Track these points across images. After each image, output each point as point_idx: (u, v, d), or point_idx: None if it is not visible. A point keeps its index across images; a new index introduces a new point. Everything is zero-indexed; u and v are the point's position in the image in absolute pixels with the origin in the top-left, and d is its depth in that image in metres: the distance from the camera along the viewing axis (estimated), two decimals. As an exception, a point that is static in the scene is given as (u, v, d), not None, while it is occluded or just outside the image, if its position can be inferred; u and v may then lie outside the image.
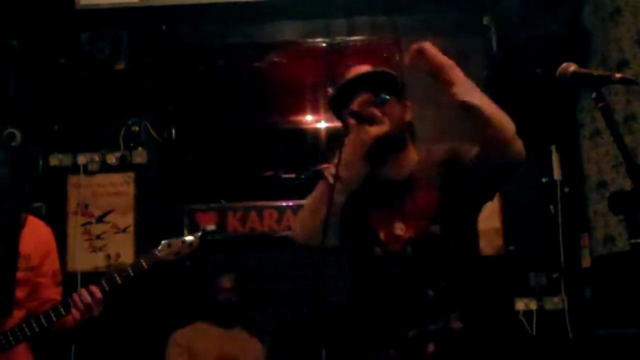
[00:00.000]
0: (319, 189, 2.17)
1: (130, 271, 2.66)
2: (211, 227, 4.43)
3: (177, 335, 4.06)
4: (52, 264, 2.76)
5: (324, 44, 4.74)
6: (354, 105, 2.16)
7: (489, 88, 4.45)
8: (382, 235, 2.15)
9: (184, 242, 2.76)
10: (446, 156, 2.18)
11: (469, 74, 4.57)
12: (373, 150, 2.15)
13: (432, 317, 2.09)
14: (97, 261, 4.54)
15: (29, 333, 2.55)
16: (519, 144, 2.08)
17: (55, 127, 4.69)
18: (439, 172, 2.17)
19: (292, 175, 4.50)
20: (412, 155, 2.24)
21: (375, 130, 2.11)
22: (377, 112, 2.13)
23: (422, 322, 2.09)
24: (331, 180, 2.10)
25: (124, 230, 4.60)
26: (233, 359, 3.97)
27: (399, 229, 2.14)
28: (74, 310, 2.58)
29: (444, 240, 2.14)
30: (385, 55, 4.63)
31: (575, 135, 4.43)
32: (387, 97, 2.16)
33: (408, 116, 2.25)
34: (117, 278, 2.64)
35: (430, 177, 2.18)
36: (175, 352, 4.00)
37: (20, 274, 2.59)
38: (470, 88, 2.10)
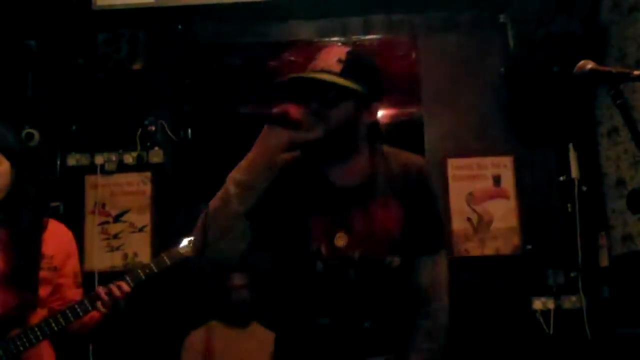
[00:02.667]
0: (219, 195, 1.91)
1: (154, 267, 2.71)
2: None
3: (192, 338, 4.08)
4: (73, 265, 2.81)
5: (339, 43, 4.73)
6: (275, 108, 1.89)
7: (506, 86, 4.45)
8: (323, 249, 1.97)
9: None
10: (417, 184, 2.05)
11: (485, 72, 4.58)
12: (308, 155, 1.91)
13: (369, 350, 1.97)
14: (114, 260, 4.56)
15: (55, 328, 2.58)
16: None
17: (73, 128, 4.72)
18: (398, 188, 2.03)
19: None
20: (366, 161, 2.05)
21: (290, 135, 1.84)
22: (305, 117, 1.88)
23: (360, 353, 1.97)
24: (231, 186, 1.87)
25: (141, 230, 4.61)
26: (250, 356, 3.98)
27: (341, 240, 1.97)
28: (99, 305, 2.61)
29: (400, 275, 2.01)
30: (401, 53, 4.62)
31: (593, 133, 4.40)
32: (319, 107, 1.92)
33: (367, 118, 2.01)
34: (141, 274, 2.68)
35: (388, 191, 2.03)
36: (190, 355, 4.02)
37: (43, 273, 2.63)
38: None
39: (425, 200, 2.07)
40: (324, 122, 1.91)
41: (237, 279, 4.12)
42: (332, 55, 1.99)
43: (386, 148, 2.12)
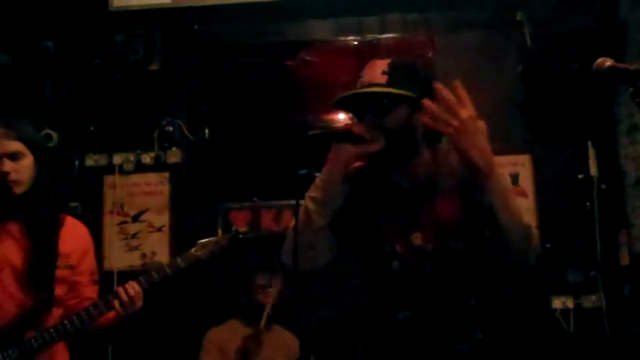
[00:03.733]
0: (301, 212, 2.09)
1: (168, 270, 2.72)
2: (243, 227, 4.45)
3: (211, 335, 4.08)
4: (90, 263, 2.82)
5: (356, 42, 4.73)
6: (338, 126, 2.12)
7: (523, 84, 4.42)
8: (398, 248, 2.11)
9: (216, 242, 2.84)
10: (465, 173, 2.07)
11: (503, 70, 4.54)
12: (375, 164, 2.11)
13: (455, 336, 2.06)
14: (132, 260, 4.59)
15: (71, 329, 2.59)
16: (533, 255, 2.04)
17: (91, 128, 4.75)
18: (460, 180, 2.08)
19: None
20: (427, 160, 2.16)
21: (356, 149, 2.05)
22: (365, 130, 2.04)
23: (446, 341, 2.06)
24: (310, 204, 2.08)
25: (159, 229, 4.64)
26: (269, 357, 3.98)
27: (417, 238, 2.10)
28: (115, 305, 2.62)
29: (467, 259, 2.09)
30: (417, 53, 4.60)
31: (612, 130, 4.36)
32: (374, 119, 2.06)
33: (421, 119, 2.06)
34: (156, 276, 2.69)
35: (450, 185, 2.11)
36: (208, 351, 4.02)
37: (59, 272, 2.65)
38: (504, 195, 1.96)
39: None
40: (383, 132, 2.05)
41: (261, 279, 4.12)
42: (376, 68, 2.11)
43: (446, 145, 2.18)
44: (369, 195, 2.18)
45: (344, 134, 2.08)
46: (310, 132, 2.08)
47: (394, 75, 2.07)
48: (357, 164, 2.08)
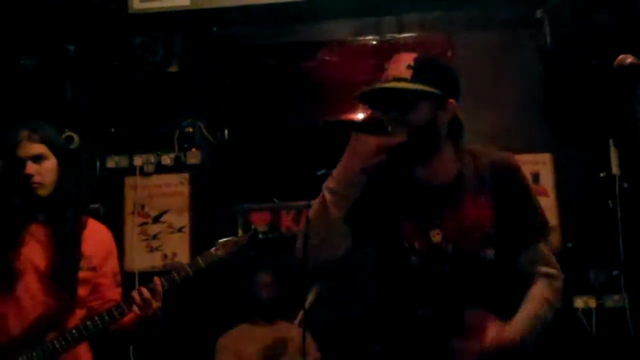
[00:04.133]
0: (316, 203, 2.06)
1: (189, 270, 2.72)
2: (262, 227, 4.46)
3: (223, 340, 4.11)
4: (113, 265, 2.83)
5: (374, 42, 4.72)
6: (361, 116, 2.05)
7: (544, 82, 4.39)
8: (417, 245, 2.09)
9: (236, 242, 2.83)
10: (498, 175, 2.11)
11: (522, 68, 4.51)
12: (395, 158, 2.05)
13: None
14: (153, 261, 4.62)
15: (93, 330, 2.60)
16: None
17: (112, 130, 4.79)
18: (489, 183, 2.10)
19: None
20: (450, 159, 2.14)
21: (377, 141, 1.99)
22: (388, 123, 2.01)
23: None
24: (327, 195, 2.02)
25: (179, 230, 4.66)
26: (280, 354, 3.99)
27: (435, 237, 2.08)
28: (134, 307, 2.63)
29: (496, 269, 2.08)
30: (436, 52, 4.58)
31: (634, 128, 4.30)
32: (398, 114, 2.03)
33: (446, 117, 2.10)
34: (176, 276, 2.69)
35: (478, 187, 2.10)
36: (223, 355, 4.04)
37: (82, 274, 2.66)
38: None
39: (518, 194, 2.14)
40: (405, 126, 2.02)
41: (264, 277, 4.15)
42: (402, 62, 2.08)
43: (473, 146, 2.20)
44: (388, 189, 2.15)
45: (365, 124, 2.05)
46: (329, 120, 2.07)
47: (419, 70, 2.05)
48: (377, 156, 2.02)
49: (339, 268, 2.12)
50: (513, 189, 2.12)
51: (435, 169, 2.12)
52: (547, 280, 2.12)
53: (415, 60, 2.07)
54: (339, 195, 2.02)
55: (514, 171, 2.16)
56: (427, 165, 2.12)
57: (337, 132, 2.08)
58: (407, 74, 2.04)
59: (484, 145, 2.25)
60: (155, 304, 2.62)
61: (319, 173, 2.08)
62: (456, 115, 2.13)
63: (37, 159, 2.60)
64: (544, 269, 2.12)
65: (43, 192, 2.61)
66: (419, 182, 2.14)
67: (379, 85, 2.08)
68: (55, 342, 2.55)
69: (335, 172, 2.04)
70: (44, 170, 2.61)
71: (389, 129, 1.99)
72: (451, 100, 2.10)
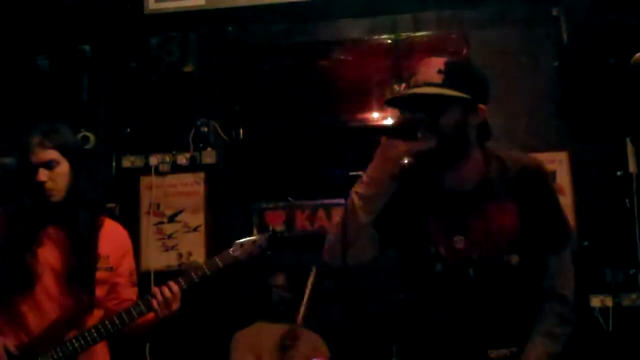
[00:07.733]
0: (346, 208, 2.06)
1: (207, 269, 2.73)
2: (279, 227, 4.47)
3: (240, 336, 4.11)
4: (129, 264, 2.85)
5: (389, 41, 4.71)
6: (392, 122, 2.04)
7: (560, 80, 4.37)
8: (442, 250, 2.08)
9: (254, 242, 2.83)
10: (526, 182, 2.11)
11: (539, 66, 4.49)
12: (424, 163, 2.07)
13: (494, 344, 2.05)
14: (169, 260, 4.63)
15: (111, 330, 2.61)
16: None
17: (127, 130, 4.81)
18: (515, 188, 2.09)
19: (360, 173, 4.49)
20: (478, 164, 2.12)
21: (406, 146, 1.99)
22: (418, 128, 1.99)
23: (484, 347, 2.05)
24: (356, 199, 2.03)
25: (195, 230, 4.67)
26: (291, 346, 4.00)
27: (459, 243, 2.07)
28: (154, 305, 2.64)
29: (521, 274, 2.08)
30: (452, 50, 4.57)
31: (651, 126, 4.30)
32: (428, 119, 2.01)
33: (475, 121, 2.08)
34: (194, 276, 2.70)
35: (504, 192, 2.09)
36: (240, 352, 4.05)
37: (99, 274, 2.68)
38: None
39: (545, 200, 2.13)
40: (435, 132, 2.00)
41: (279, 279, 4.15)
42: (432, 67, 2.06)
43: (501, 151, 2.18)
44: (417, 194, 2.15)
45: (395, 129, 2.05)
46: (361, 125, 2.09)
47: (450, 75, 2.03)
48: (406, 161, 2.04)
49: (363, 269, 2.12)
50: (541, 195, 2.11)
51: (462, 175, 2.11)
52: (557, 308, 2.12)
53: (446, 64, 2.05)
54: (367, 200, 2.03)
55: (543, 177, 2.15)
56: (454, 170, 2.11)
57: (366, 136, 2.10)
58: (438, 78, 2.03)
59: (512, 149, 2.25)
60: (175, 305, 2.64)
61: (352, 174, 2.11)
62: (485, 120, 2.12)
63: (49, 165, 2.61)
64: (559, 291, 2.12)
65: (56, 198, 2.62)
66: (446, 188, 2.13)
67: (410, 91, 2.08)
68: (74, 341, 2.57)
69: (364, 176, 2.05)
70: (56, 176, 2.62)
71: (419, 134, 1.99)
72: (481, 106, 2.08)
